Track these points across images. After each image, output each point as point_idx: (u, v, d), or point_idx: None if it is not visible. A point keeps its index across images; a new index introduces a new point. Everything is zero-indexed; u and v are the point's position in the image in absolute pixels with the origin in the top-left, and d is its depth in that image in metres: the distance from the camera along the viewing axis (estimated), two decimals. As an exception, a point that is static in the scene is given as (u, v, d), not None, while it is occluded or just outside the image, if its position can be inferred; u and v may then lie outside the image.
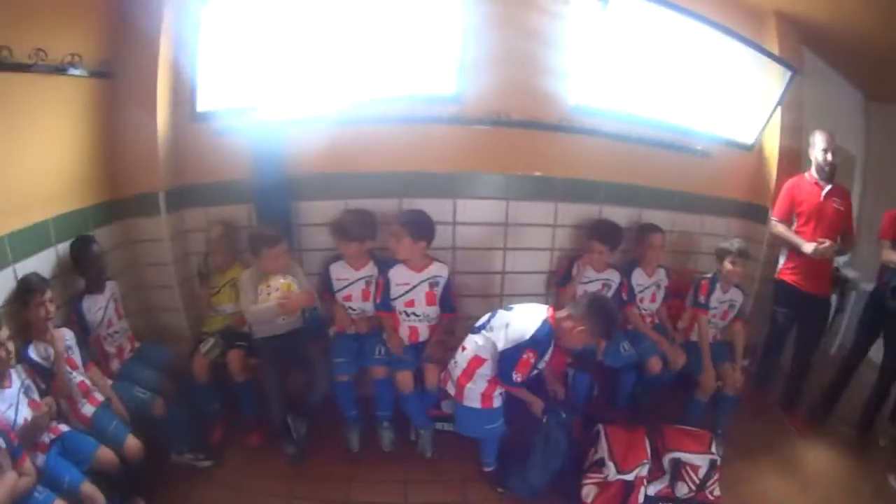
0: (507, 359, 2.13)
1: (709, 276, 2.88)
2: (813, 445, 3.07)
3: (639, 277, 2.86)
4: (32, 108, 2.22)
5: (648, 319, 2.89)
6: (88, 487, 1.89)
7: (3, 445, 1.71)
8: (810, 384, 3.34)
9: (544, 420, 2.31)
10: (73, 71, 2.35)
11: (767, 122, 3.34)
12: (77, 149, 2.49)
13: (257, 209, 2.72)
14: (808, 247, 2.82)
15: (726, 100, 3.26)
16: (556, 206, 2.85)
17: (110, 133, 2.64)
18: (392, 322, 2.57)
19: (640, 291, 2.86)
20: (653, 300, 2.91)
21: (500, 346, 2.16)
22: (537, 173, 2.75)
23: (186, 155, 2.76)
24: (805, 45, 3.70)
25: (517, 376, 2.12)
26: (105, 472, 2.01)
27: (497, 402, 2.29)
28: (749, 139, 3.40)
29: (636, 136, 2.91)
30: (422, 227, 2.43)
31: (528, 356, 2.10)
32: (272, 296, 2.35)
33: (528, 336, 2.10)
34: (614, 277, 2.79)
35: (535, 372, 2.22)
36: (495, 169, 2.71)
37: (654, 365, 2.66)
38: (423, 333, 2.56)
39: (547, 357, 2.21)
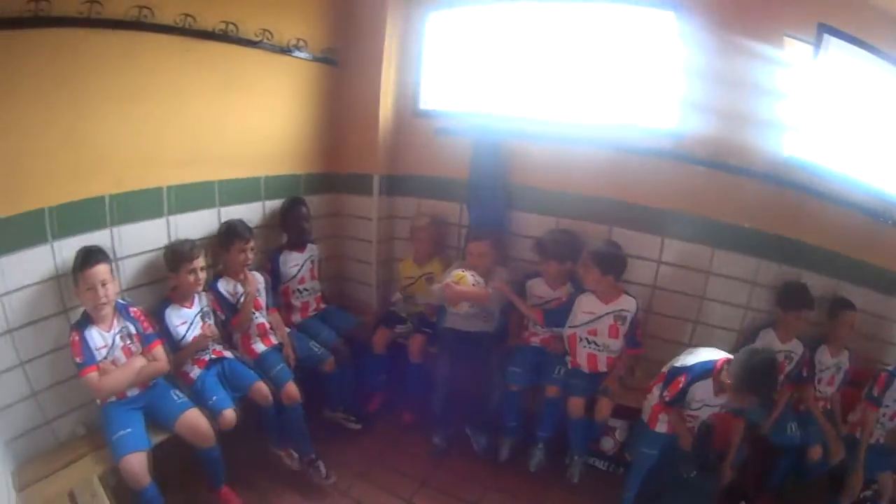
0: (667, 377, 2.19)
1: (890, 368, 2.44)
2: None
3: (822, 355, 2.51)
4: (260, 80, 2.57)
5: (822, 403, 2.54)
6: (230, 414, 2.09)
7: (136, 332, 2.02)
8: None
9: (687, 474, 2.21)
10: (297, 53, 2.68)
11: None
12: (298, 122, 2.82)
13: (470, 211, 2.84)
14: None
15: None
16: (759, 263, 2.63)
17: (333, 113, 2.95)
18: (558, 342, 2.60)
19: (821, 371, 2.52)
20: (830, 383, 2.54)
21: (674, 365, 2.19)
22: (746, 225, 2.57)
23: (405, 146, 3.00)
24: None
25: (666, 394, 2.13)
26: (257, 405, 2.23)
27: (660, 428, 2.21)
28: None
29: (848, 199, 2.58)
30: (610, 262, 2.39)
31: (680, 380, 2.10)
32: (444, 280, 2.48)
33: (689, 364, 2.14)
34: (797, 350, 2.49)
35: (691, 408, 2.16)
36: (705, 212, 2.56)
37: (815, 453, 2.36)
38: (602, 364, 2.50)
39: (699, 395, 2.12)
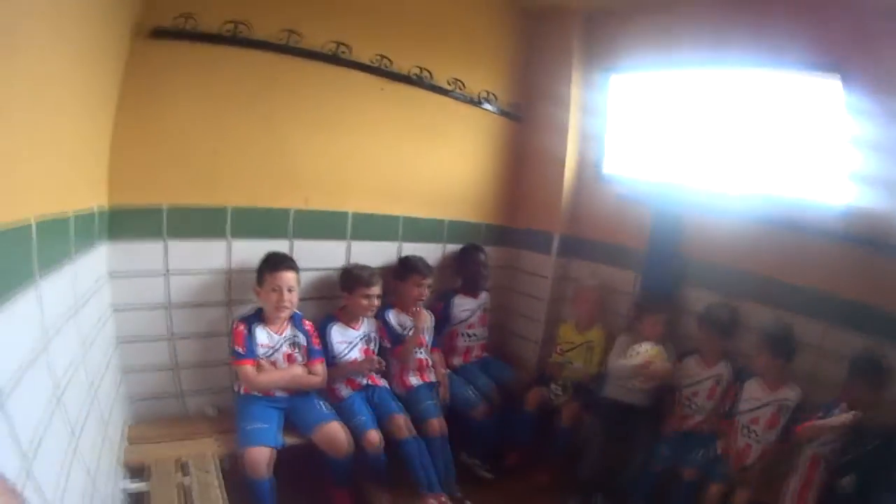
0: None
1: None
2: None
3: None
4: (450, 127, 2.77)
5: None
6: (375, 434, 2.14)
7: (304, 343, 2.12)
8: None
9: None
10: (486, 105, 2.84)
11: None
12: (483, 173, 2.99)
13: (644, 280, 2.74)
14: None
15: None
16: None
17: (515, 168, 3.09)
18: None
19: None
20: None
21: None
22: None
23: (585, 209, 3.01)
24: None
25: None
26: (392, 434, 2.23)
27: None
28: None
29: None
30: (783, 345, 2.16)
31: None
32: (638, 356, 2.37)
33: None
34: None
35: None
36: (873, 300, 2.08)
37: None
38: (754, 455, 2.18)
39: None
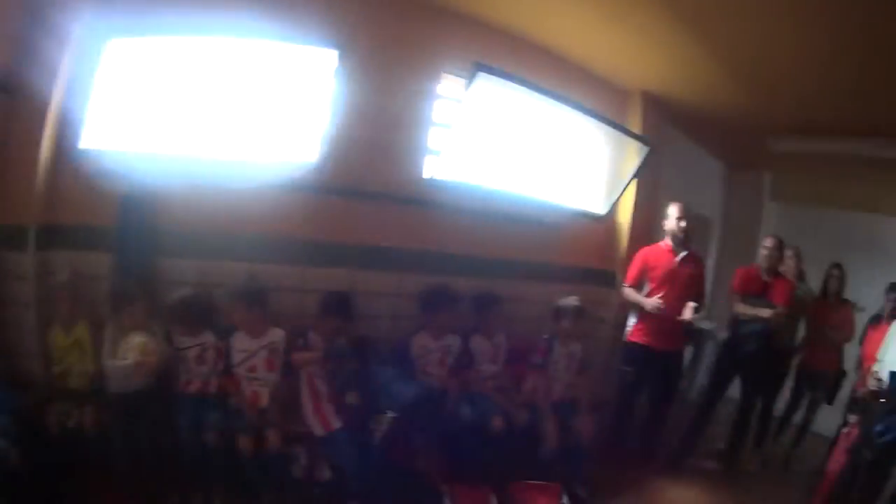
0: None
1: (546, 337, 3.06)
2: (678, 483, 3.39)
3: (478, 342, 3.00)
4: None
5: (490, 382, 3.01)
6: None
7: None
8: (671, 429, 3.65)
9: None
10: None
11: (622, 194, 3.72)
12: None
13: (118, 261, 2.60)
14: (650, 305, 3.16)
15: (583, 173, 3.63)
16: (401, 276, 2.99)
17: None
18: None
19: (478, 355, 2.99)
20: (494, 362, 3.04)
21: None
22: (384, 244, 2.87)
23: (64, 193, 2.65)
24: (670, 123, 4.25)
25: None
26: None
27: None
28: (602, 210, 3.79)
29: (486, 209, 3.15)
30: (255, 296, 2.54)
31: None
32: (129, 354, 2.31)
33: None
34: (455, 342, 2.92)
35: None
36: (343, 239, 2.79)
37: (498, 424, 2.74)
38: (265, 397, 2.55)
39: None
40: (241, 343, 2.48)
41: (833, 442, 3.40)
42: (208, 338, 2.53)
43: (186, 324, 2.48)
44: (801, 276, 3.81)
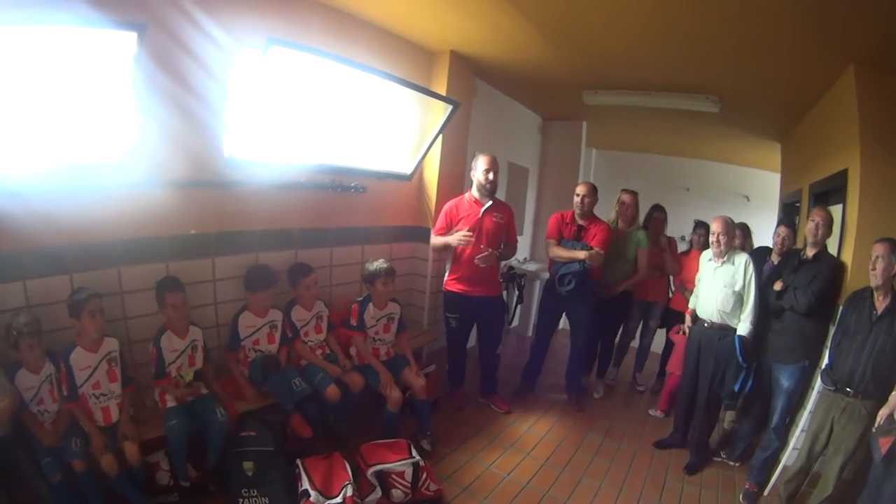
0: None
1: (359, 300, 3.10)
2: (520, 418, 3.61)
3: (299, 313, 2.93)
4: None
5: (319, 351, 2.98)
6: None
7: None
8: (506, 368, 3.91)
9: None
10: None
11: (427, 151, 3.81)
12: None
13: None
14: (454, 239, 3.29)
15: (390, 134, 3.63)
16: (214, 261, 2.83)
17: None
18: None
19: (303, 326, 2.94)
20: (318, 331, 3.00)
21: None
22: (192, 231, 2.70)
23: None
24: (481, 78, 4.36)
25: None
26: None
27: None
28: (408, 170, 3.87)
29: (290, 182, 3.08)
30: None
31: None
32: None
33: None
34: (277, 318, 2.84)
35: None
36: (157, 232, 2.57)
37: (332, 393, 2.74)
38: None
39: None
40: (81, 360, 2.24)
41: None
42: (50, 368, 2.20)
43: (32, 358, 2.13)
44: (633, 220, 3.95)
